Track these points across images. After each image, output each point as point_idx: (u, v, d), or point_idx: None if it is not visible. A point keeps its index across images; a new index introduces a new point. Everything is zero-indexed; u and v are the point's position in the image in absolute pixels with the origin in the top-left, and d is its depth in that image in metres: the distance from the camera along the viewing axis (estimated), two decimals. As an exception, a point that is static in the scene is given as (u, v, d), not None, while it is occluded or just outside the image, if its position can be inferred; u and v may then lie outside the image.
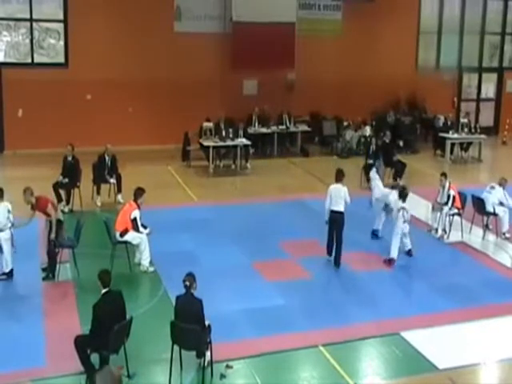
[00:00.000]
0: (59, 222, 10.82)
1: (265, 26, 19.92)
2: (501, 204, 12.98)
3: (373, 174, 13.42)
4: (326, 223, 11.39)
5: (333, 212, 11.17)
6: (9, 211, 10.57)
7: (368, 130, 20.14)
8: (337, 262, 11.29)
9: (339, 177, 11.37)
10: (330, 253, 11.51)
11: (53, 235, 10.58)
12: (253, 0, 20.24)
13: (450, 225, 12.79)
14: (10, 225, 10.54)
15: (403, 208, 11.38)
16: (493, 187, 13.13)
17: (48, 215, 10.80)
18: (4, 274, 10.48)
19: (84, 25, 18.92)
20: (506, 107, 24.35)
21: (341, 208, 11.12)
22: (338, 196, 11.10)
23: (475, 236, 13.02)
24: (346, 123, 20.60)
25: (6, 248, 10.44)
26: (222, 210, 14.29)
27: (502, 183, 13.13)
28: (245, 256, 11.67)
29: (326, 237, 11.63)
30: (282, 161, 19.44)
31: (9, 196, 10.88)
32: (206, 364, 7.83)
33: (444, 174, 13.04)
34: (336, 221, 11.18)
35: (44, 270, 10.69)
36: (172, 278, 9.76)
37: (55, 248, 10.61)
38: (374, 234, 12.64)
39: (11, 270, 10.50)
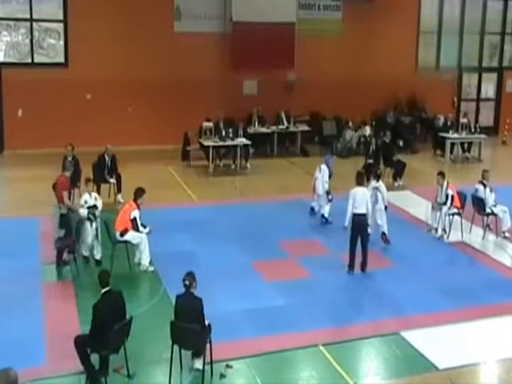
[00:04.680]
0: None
1: (265, 25, 19.90)
2: (494, 205, 12.96)
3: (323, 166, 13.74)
4: (344, 229, 11.11)
5: (359, 215, 10.84)
6: (85, 202, 10.97)
7: (368, 130, 20.12)
8: (364, 268, 11.00)
9: (362, 180, 11.26)
10: (352, 266, 11.03)
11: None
12: (253, 0, 20.24)
13: (450, 224, 12.79)
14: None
15: (376, 188, 12.30)
16: (477, 190, 12.98)
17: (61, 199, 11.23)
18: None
19: (84, 25, 18.91)
20: (505, 107, 24.34)
21: (365, 210, 10.91)
22: (364, 199, 10.91)
23: (475, 236, 13.01)
24: (350, 124, 20.57)
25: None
26: (221, 210, 14.29)
27: (485, 176, 12.96)
28: (245, 256, 11.66)
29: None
30: (282, 161, 19.44)
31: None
32: (200, 364, 7.79)
33: (441, 173, 13.02)
34: (362, 224, 10.89)
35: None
36: (172, 277, 9.74)
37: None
38: (312, 209, 13.97)
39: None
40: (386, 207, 12.45)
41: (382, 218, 12.34)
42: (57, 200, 11.90)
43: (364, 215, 10.88)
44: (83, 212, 10.99)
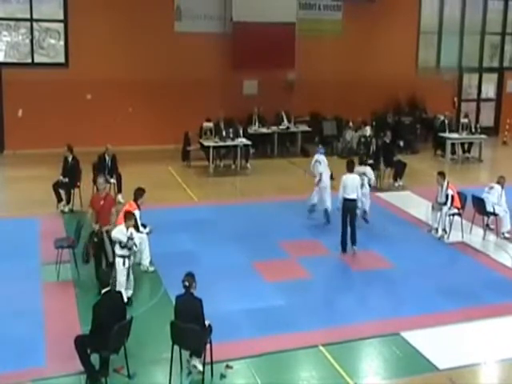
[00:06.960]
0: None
1: (265, 26, 19.91)
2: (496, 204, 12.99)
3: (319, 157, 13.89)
4: (337, 209, 12.03)
5: (348, 200, 11.72)
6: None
7: (368, 130, 20.07)
8: (354, 242, 11.83)
9: (351, 167, 12.14)
10: (345, 248, 11.82)
11: None
12: (253, 0, 20.24)
13: (450, 225, 12.78)
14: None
15: (363, 173, 13.38)
16: (492, 187, 13.12)
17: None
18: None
19: (84, 25, 18.91)
20: (506, 107, 24.32)
21: (355, 196, 11.80)
22: (354, 185, 11.78)
23: (475, 236, 13.00)
24: (350, 124, 20.57)
25: None
26: (222, 210, 14.28)
27: (501, 182, 13.12)
28: (245, 256, 11.66)
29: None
30: (282, 161, 19.43)
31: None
32: (200, 365, 7.78)
33: (441, 173, 13.03)
34: (351, 208, 11.78)
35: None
36: (172, 277, 9.73)
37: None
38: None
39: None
40: (370, 186, 13.73)
41: (366, 197, 13.27)
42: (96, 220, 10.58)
43: (354, 200, 11.82)
44: (127, 241, 9.65)
